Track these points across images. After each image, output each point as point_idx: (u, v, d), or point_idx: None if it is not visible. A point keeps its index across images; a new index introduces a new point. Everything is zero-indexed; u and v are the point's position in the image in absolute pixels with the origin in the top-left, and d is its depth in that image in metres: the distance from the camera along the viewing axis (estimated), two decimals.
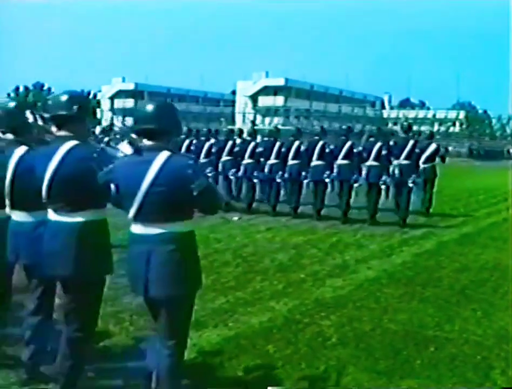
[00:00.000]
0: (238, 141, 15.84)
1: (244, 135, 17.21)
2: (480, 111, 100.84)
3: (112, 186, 4.02)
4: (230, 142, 15.59)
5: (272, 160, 14.47)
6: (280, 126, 23.16)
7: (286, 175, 14.24)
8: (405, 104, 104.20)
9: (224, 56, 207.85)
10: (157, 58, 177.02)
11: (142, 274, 3.87)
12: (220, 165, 15.24)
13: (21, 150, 4.63)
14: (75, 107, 4.22)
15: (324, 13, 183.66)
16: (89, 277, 4.23)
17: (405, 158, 13.44)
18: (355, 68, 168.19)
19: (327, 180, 13.84)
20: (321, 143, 14.06)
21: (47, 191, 4.19)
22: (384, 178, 13.18)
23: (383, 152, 13.24)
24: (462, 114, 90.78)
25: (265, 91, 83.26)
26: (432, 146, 14.73)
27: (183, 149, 15.18)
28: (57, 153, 4.17)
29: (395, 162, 13.43)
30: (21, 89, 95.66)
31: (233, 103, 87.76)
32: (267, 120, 77.29)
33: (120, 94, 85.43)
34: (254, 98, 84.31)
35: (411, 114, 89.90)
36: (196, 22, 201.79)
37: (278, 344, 5.80)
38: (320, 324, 6.42)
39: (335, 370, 5.18)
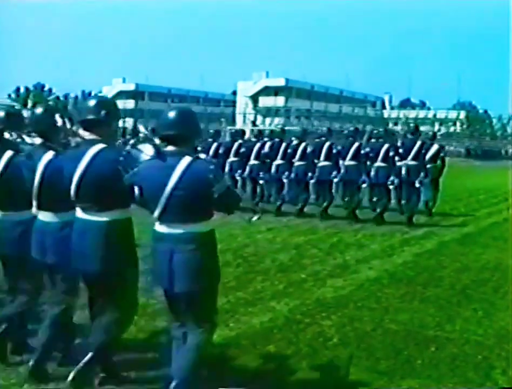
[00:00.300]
0: (248, 138, 15.91)
1: (247, 136, 17.24)
2: (481, 111, 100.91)
3: (136, 188, 4.27)
4: (236, 143, 15.63)
5: (278, 161, 14.57)
6: (280, 127, 23.13)
7: (292, 175, 14.34)
8: (405, 103, 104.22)
9: (225, 56, 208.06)
10: (157, 59, 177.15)
11: (166, 270, 4.16)
12: (227, 166, 15.26)
13: (49, 154, 4.78)
14: (103, 112, 4.48)
15: (324, 13, 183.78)
16: (116, 272, 4.47)
17: (413, 159, 13.55)
18: (356, 68, 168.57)
19: (335, 180, 13.96)
20: (327, 144, 14.21)
21: (75, 191, 4.45)
22: (392, 178, 13.28)
23: (391, 153, 13.38)
24: (462, 114, 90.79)
25: (266, 91, 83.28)
26: (435, 147, 14.74)
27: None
28: (85, 155, 4.43)
29: (399, 163, 13.50)
30: (21, 90, 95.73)
31: (233, 103, 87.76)
32: (268, 120, 77.28)
33: (120, 94, 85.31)
34: (254, 98, 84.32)
35: (412, 114, 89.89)
36: (197, 22, 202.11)
37: (279, 344, 5.81)
38: (321, 325, 6.42)
39: (336, 370, 5.18)
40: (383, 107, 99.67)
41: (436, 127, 69.37)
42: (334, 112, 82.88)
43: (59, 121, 5.02)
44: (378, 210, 13.77)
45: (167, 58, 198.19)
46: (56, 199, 4.66)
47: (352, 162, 13.75)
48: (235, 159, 15.24)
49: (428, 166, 14.19)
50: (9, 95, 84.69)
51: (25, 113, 5.28)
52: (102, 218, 4.45)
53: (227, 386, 4.77)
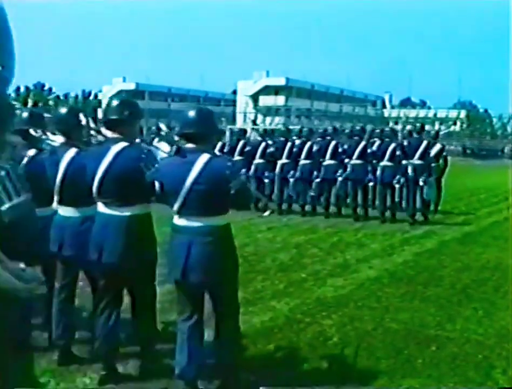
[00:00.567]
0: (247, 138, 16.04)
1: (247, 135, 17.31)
2: (481, 110, 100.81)
3: (157, 183, 4.51)
4: (241, 142, 15.66)
5: (283, 160, 14.65)
6: (280, 126, 23.18)
7: (298, 174, 14.43)
8: (406, 103, 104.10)
9: (225, 56, 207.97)
10: (158, 58, 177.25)
11: (183, 262, 4.37)
12: None
13: (72, 152, 5.02)
14: (126, 112, 4.74)
15: (325, 12, 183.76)
16: (137, 264, 4.69)
17: (419, 158, 13.64)
18: (356, 67, 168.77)
19: (339, 178, 14.09)
20: (333, 143, 14.36)
21: (98, 187, 4.67)
22: (398, 177, 13.42)
23: (397, 152, 13.49)
24: (462, 113, 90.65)
25: (266, 90, 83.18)
26: (437, 146, 14.77)
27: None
28: (109, 153, 4.67)
29: (404, 161, 13.62)
30: (22, 89, 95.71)
31: (233, 103, 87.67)
32: (268, 119, 77.23)
33: (121, 94, 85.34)
34: (254, 97, 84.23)
35: (412, 113, 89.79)
36: (197, 22, 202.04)
37: (280, 343, 5.81)
38: (321, 324, 6.42)
39: (336, 369, 5.18)
40: (384, 106, 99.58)
41: (436, 126, 69.28)
42: (335, 111, 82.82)
43: (83, 121, 5.24)
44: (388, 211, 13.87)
45: (167, 57, 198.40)
46: (78, 194, 4.86)
47: (358, 161, 13.90)
48: (240, 158, 15.27)
49: (432, 165, 14.27)
50: (9, 95, 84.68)
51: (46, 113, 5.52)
52: (124, 212, 4.67)
53: (227, 385, 4.78)
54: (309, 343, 5.85)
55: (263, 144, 15.35)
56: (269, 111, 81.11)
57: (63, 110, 5.45)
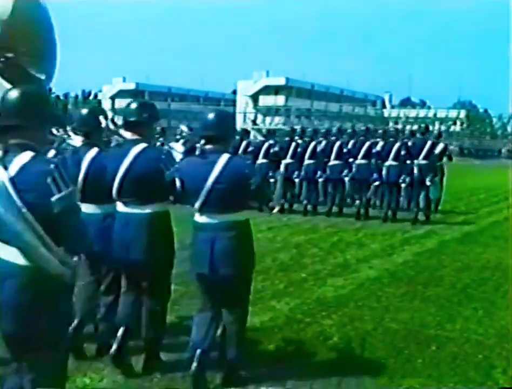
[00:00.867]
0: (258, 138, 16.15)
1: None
2: (481, 110, 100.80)
3: (178, 183, 4.72)
4: (244, 142, 15.69)
5: (288, 160, 14.73)
6: (281, 126, 23.27)
7: (302, 174, 14.57)
8: (406, 103, 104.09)
9: (225, 56, 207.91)
10: (158, 58, 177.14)
11: (207, 257, 4.59)
12: None
13: (93, 152, 5.18)
14: (145, 114, 4.95)
15: (325, 12, 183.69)
16: (157, 259, 4.87)
17: (424, 158, 13.78)
18: (356, 67, 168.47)
19: (346, 178, 14.23)
20: (338, 143, 14.50)
21: (118, 187, 4.86)
22: (403, 177, 13.53)
23: (402, 152, 13.61)
24: (462, 113, 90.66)
25: (266, 90, 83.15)
26: (441, 146, 14.81)
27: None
28: (129, 154, 4.85)
29: (408, 161, 13.75)
30: None
31: (233, 103, 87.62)
32: (268, 119, 77.25)
33: (121, 94, 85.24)
34: (254, 97, 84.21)
35: (412, 113, 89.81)
36: (197, 22, 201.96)
37: (280, 343, 5.81)
38: (322, 324, 6.41)
39: (336, 369, 5.18)
40: (384, 106, 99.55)
41: (436, 126, 69.25)
42: (334, 111, 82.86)
43: (103, 122, 5.40)
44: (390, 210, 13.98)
45: (167, 57, 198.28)
46: (99, 192, 4.97)
47: (363, 161, 14.02)
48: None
49: (436, 164, 14.37)
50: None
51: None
52: (144, 210, 4.85)
53: (227, 385, 4.79)
54: (309, 343, 5.84)
55: (266, 144, 15.44)
56: (269, 111, 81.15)
57: (84, 111, 5.64)
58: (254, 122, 74.68)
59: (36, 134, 3.25)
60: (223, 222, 4.63)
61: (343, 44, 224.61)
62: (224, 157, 4.64)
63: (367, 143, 14.21)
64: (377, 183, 14.03)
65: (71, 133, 5.43)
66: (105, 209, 5.10)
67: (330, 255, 9.95)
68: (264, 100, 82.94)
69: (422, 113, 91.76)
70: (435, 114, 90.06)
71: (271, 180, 15.07)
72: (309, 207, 14.89)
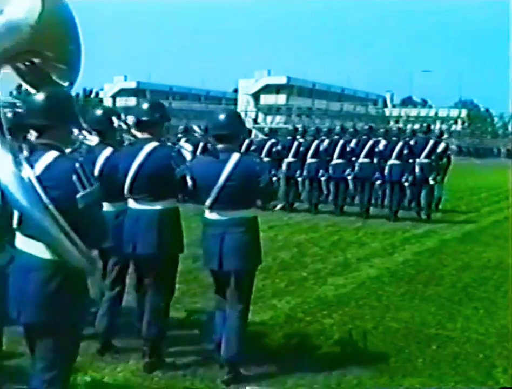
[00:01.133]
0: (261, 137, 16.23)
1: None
2: (482, 109, 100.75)
3: (189, 180, 4.87)
4: (246, 141, 15.70)
5: (290, 159, 14.77)
6: (282, 125, 23.35)
7: (305, 173, 14.63)
8: (407, 102, 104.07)
9: (226, 54, 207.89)
10: (159, 57, 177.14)
11: (218, 251, 4.78)
12: None
13: (107, 151, 5.36)
14: (157, 114, 5.11)
15: (326, 11, 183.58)
16: (167, 254, 5.04)
17: (426, 157, 13.88)
18: (357, 66, 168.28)
19: (348, 177, 14.29)
20: (341, 142, 14.54)
21: (130, 184, 5.00)
22: (406, 175, 13.60)
23: (405, 151, 13.67)
24: (464, 112, 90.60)
25: (267, 89, 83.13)
26: (442, 145, 14.83)
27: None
28: (141, 152, 5.00)
29: (410, 160, 13.82)
30: (23, 87, 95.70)
31: (235, 101, 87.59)
32: (269, 118, 77.22)
33: (122, 92, 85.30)
34: (256, 96, 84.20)
35: (413, 112, 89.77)
36: (199, 20, 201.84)
37: (280, 342, 5.81)
38: (322, 323, 6.41)
39: (337, 368, 5.18)
40: (385, 105, 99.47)
41: (438, 125, 69.23)
42: (335, 110, 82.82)
43: (116, 122, 5.61)
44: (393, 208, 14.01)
45: (169, 56, 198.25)
46: (112, 190, 5.01)
47: (366, 160, 14.06)
48: None
49: (439, 163, 14.41)
50: (11, 93, 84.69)
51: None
52: (155, 206, 4.98)
53: (228, 384, 4.79)
54: (309, 342, 5.84)
55: (269, 143, 15.47)
56: (270, 110, 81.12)
57: (98, 112, 5.80)
58: (255, 121, 74.64)
59: (60, 135, 3.46)
60: (233, 219, 4.80)
61: (344, 43, 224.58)
62: (236, 156, 4.82)
63: (370, 142, 14.25)
64: (379, 182, 14.07)
65: (85, 133, 5.52)
66: (117, 207, 5.21)
67: (331, 254, 9.95)
68: (266, 99, 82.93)
69: (423, 112, 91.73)
70: (436, 113, 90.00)
71: (274, 179, 15.23)
72: (307, 205, 14.99)
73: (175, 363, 5.14)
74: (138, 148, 5.07)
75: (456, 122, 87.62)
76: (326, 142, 14.77)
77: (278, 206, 13.55)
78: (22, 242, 3.36)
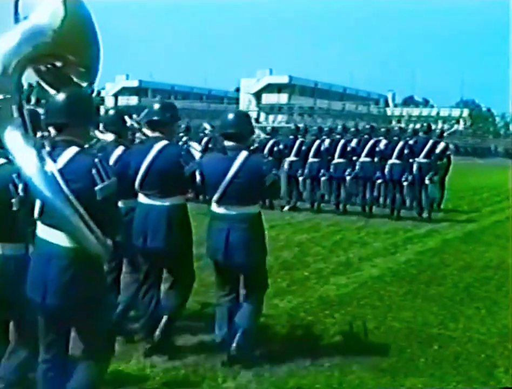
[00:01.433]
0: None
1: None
2: (484, 109, 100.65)
3: (198, 176, 5.08)
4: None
5: (292, 158, 14.80)
6: (283, 124, 23.44)
7: (306, 172, 14.69)
8: (409, 101, 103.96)
9: (228, 54, 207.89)
10: (161, 56, 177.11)
11: (223, 245, 4.99)
12: None
13: (120, 150, 5.57)
14: (168, 114, 5.32)
15: (328, 11, 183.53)
16: (177, 248, 5.23)
17: (425, 156, 13.89)
18: (359, 66, 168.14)
19: (348, 177, 14.33)
20: (342, 141, 14.61)
21: (141, 180, 5.21)
22: (405, 175, 13.68)
23: (405, 151, 13.74)
24: (465, 112, 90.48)
25: (269, 88, 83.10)
26: (442, 145, 14.83)
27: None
28: (151, 150, 5.22)
29: (411, 160, 13.86)
30: (25, 86, 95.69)
31: (236, 101, 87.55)
32: (271, 117, 77.17)
33: (123, 91, 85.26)
34: (257, 95, 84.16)
35: (415, 112, 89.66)
36: (200, 19, 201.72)
37: (282, 342, 5.82)
38: (324, 322, 6.42)
39: (338, 368, 5.18)
40: (386, 104, 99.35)
41: (439, 125, 69.16)
42: (337, 110, 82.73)
43: (128, 121, 5.89)
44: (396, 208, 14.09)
45: (171, 55, 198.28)
46: (123, 188, 5.12)
47: (367, 159, 14.10)
48: None
49: (437, 163, 14.41)
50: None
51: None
52: (165, 202, 5.18)
53: (229, 383, 4.80)
54: (311, 341, 5.85)
55: (270, 142, 15.50)
56: (272, 109, 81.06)
57: (111, 112, 6.20)
58: (257, 120, 74.55)
59: (80, 132, 3.73)
60: (239, 214, 5.01)
61: (346, 42, 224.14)
62: (243, 154, 5.03)
63: (371, 142, 14.28)
64: (380, 181, 14.09)
65: (97, 132, 5.72)
66: (127, 204, 5.32)
67: (333, 254, 9.95)
68: (267, 98, 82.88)
69: (425, 111, 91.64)
70: (437, 113, 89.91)
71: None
72: (308, 205, 15.03)
73: (176, 361, 5.15)
74: (149, 146, 5.29)
75: (457, 122, 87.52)
76: (327, 141, 14.79)
77: (286, 208, 13.64)
78: (43, 231, 3.62)
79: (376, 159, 14.07)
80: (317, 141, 14.86)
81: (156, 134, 5.34)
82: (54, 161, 3.56)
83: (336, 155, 14.46)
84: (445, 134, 19.14)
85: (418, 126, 18.61)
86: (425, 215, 13.99)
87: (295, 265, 9.05)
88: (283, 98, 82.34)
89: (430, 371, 5.21)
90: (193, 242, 5.41)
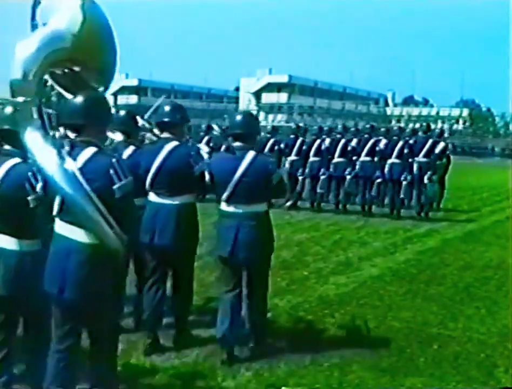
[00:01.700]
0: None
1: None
2: (483, 109, 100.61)
3: (207, 176, 5.24)
4: None
5: (293, 157, 14.84)
6: (283, 123, 23.47)
7: (307, 171, 14.74)
8: (409, 101, 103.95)
9: (228, 53, 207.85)
10: (161, 54, 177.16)
11: (231, 241, 5.14)
12: None
13: (130, 149, 5.71)
14: (178, 116, 5.50)
15: (328, 10, 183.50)
16: (185, 246, 5.40)
17: (424, 156, 13.94)
18: (359, 65, 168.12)
19: (347, 176, 14.37)
20: (343, 141, 14.68)
21: (152, 179, 5.35)
22: (404, 174, 13.75)
23: (405, 150, 13.83)
24: (465, 112, 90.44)
25: (269, 87, 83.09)
26: (441, 144, 14.84)
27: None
28: (162, 150, 5.37)
29: (410, 159, 13.94)
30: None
31: (236, 100, 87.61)
32: (271, 117, 77.15)
33: (123, 90, 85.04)
34: (257, 94, 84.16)
35: (415, 111, 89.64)
36: (200, 18, 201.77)
37: (281, 341, 5.81)
38: (324, 322, 6.42)
39: (338, 368, 5.17)
40: (386, 104, 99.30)
41: (439, 124, 69.14)
42: (337, 109, 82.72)
43: (139, 122, 6.05)
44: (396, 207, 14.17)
45: (170, 54, 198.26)
46: (134, 187, 5.15)
47: (367, 159, 14.16)
48: None
49: (437, 163, 14.43)
50: None
51: None
52: (174, 201, 5.34)
53: (229, 382, 4.79)
54: (310, 341, 5.84)
55: (271, 141, 15.50)
56: (272, 108, 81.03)
57: (122, 112, 6.24)
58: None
59: (97, 133, 3.90)
60: (247, 212, 5.16)
61: (346, 41, 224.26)
62: (251, 154, 5.18)
63: (371, 141, 14.33)
64: (379, 180, 14.10)
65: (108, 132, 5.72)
66: (137, 202, 5.26)
67: (333, 253, 9.94)
68: (267, 98, 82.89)
69: (424, 111, 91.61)
70: (437, 113, 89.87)
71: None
72: (308, 204, 15.06)
73: (176, 360, 5.16)
74: (159, 146, 5.45)
75: (457, 122, 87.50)
76: (328, 141, 14.84)
77: (288, 203, 13.73)
78: (61, 227, 3.80)
79: (376, 159, 14.12)
80: (318, 141, 14.90)
81: (167, 135, 5.49)
82: (74, 160, 3.73)
83: (336, 154, 14.52)
84: (445, 135, 19.16)
85: (417, 125, 18.62)
86: (423, 214, 14.00)
87: (294, 264, 9.04)
88: (283, 97, 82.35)
89: (429, 371, 5.21)
90: (198, 240, 5.57)
